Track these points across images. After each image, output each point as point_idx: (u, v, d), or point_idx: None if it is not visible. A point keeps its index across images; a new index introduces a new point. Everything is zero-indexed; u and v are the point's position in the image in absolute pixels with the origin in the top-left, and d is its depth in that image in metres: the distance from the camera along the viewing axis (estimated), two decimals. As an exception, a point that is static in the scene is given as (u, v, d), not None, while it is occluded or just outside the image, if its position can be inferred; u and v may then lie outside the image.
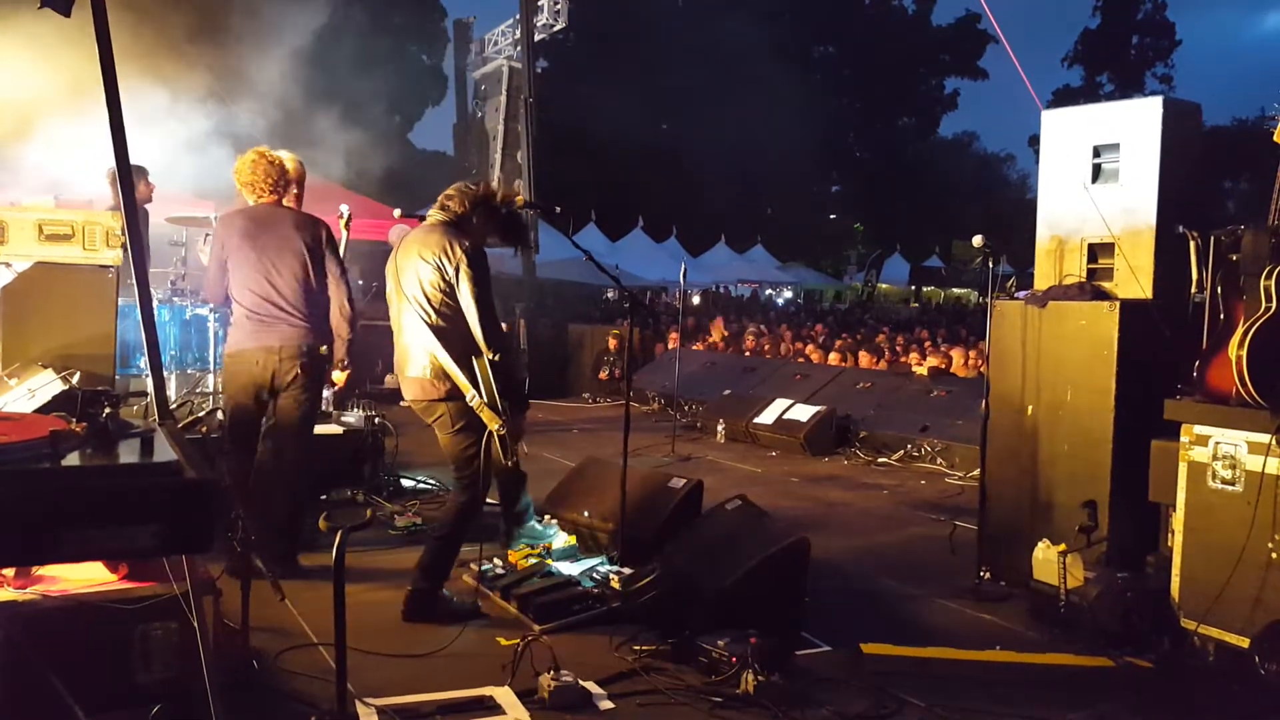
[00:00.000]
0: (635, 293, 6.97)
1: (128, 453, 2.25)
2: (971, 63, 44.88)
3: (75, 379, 4.40)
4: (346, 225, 6.25)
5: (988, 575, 5.00)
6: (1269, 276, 3.81)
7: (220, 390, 6.25)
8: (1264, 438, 3.76)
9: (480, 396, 4.04)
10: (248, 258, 4.71)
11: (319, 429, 5.33)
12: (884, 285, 37.14)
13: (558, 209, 6.78)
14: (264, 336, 4.67)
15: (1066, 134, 5.03)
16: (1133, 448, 4.48)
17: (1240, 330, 3.83)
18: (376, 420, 6.50)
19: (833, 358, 12.25)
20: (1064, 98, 41.65)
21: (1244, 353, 3.77)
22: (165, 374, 5.28)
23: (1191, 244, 4.43)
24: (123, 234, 4.95)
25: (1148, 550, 4.48)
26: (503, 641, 3.92)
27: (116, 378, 5.22)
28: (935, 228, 41.15)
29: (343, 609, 2.98)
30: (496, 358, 4.05)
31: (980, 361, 10.06)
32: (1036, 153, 5.50)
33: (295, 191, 5.05)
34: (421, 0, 33.08)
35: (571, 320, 14.69)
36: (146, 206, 7.16)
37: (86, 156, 6.58)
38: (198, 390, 7.65)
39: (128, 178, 2.82)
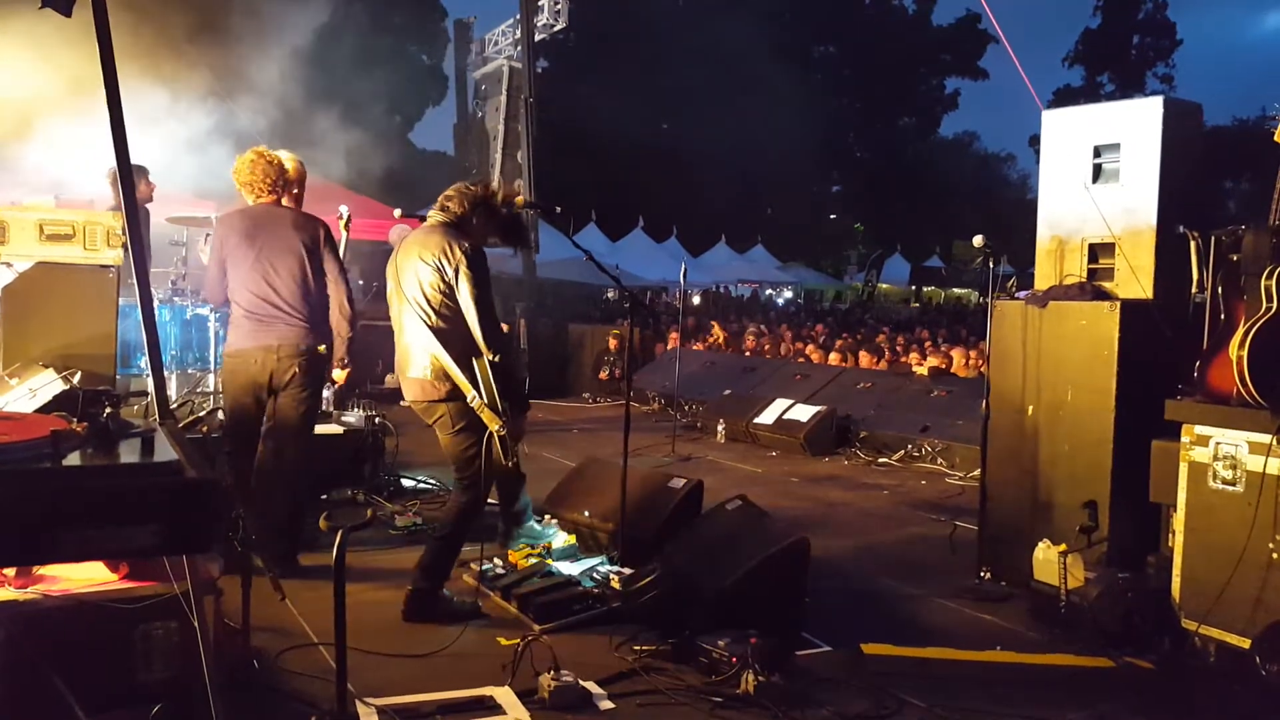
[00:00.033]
0: (635, 293, 6.96)
1: (128, 452, 2.25)
2: (972, 63, 44.88)
3: (76, 379, 4.41)
4: (346, 226, 6.24)
5: (988, 575, 5.01)
6: (1270, 276, 3.81)
7: (220, 390, 6.25)
8: (1265, 438, 3.76)
9: (481, 397, 4.03)
10: (246, 257, 4.71)
11: (319, 429, 5.33)
12: (884, 285, 37.14)
13: (558, 209, 6.76)
14: (262, 336, 4.67)
15: (1067, 134, 5.03)
16: (1133, 448, 4.47)
17: (1241, 330, 3.82)
18: (377, 420, 6.50)
19: (833, 358, 12.25)
20: (1065, 98, 41.63)
21: (1245, 353, 3.77)
22: (166, 374, 5.26)
23: (1192, 244, 4.43)
24: (123, 234, 4.96)
25: (1148, 550, 4.47)
26: (503, 641, 3.92)
27: (117, 377, 5.23)
28: (935, 228, 41.16)
29: (343, 609, 2.98)
30: (496, 358, 4.05)
31: (980, 361, 10.06)
32: (1037, 153, 5.49)
33: (295, 192, 5.04)
34: (421, 0, 33.07)
35: (571, 320, 14.68)
36: (147, 206, 7.16)
37: (87, 156, 6.59)
38: (198, 390, 7.65)
39: (128, 177, 2.83)
